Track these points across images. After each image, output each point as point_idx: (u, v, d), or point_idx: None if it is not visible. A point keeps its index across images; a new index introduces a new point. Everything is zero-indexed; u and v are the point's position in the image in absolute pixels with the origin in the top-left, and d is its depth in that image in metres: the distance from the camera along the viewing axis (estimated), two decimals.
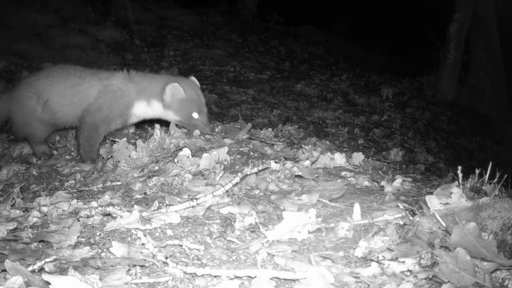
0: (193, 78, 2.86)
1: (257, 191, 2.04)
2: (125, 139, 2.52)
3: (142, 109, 2.76)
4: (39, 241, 1.68)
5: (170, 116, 2.74)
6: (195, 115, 2.70)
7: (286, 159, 2.36)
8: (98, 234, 1.70)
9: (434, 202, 1.61)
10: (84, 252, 1.58)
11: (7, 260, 1.37)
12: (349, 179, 2.17)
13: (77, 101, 2.76)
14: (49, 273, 1.44)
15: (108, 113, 2.69)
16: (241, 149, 2.56)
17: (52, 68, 3.07)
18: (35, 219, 1.87)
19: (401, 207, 1.69)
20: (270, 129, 2.98)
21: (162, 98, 2.68)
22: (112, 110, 2.70)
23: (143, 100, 2.73)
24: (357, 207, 1.67)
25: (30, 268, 1.43)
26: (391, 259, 1.39)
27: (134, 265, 1.45)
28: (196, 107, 2.71)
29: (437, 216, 1.51)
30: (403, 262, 1.36)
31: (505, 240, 1.40)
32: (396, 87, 7.20)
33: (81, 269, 1.45)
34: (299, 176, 2.16)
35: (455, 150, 5.83)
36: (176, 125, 2.76)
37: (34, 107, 2.81)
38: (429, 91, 7.59)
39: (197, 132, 2.70)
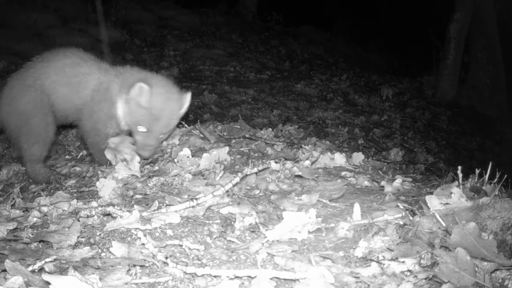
0: (188, 95, 2.40)
1: (257, 191, 2.05)
2: None
3: (122, 108, 2.37)
4: (39, 241, 1.68)
5: (120, 114, 2.36)
6: (142, 128, 2.29)
7: (286, 159, 2.36)
8: (98, 234, 1.70)
9: (434, 202, 1.62)
10: (84, 252, 1.58)
11: (7, 260, 1.37)
12: (349, 179, 2.17)
13: (75, 83, 2.41)
14: (49, 273, 1.44)
15: (100, 114, 2.38)
16: (241, 149, 2.56)
17: (49, 51, 2.56)
18: (35, 219, 1.87)
19: (401, 207, 1.69)
20: (270, 129, 2.98)
21: (129, 92, 2.27)
22: (103, 109, 2.37)
23: (123, 96, 2.33)
24: (357, 207, 1.67)
25: (30, 268, 1.43)
26: (391, 259, 1.39)
27: (134, 265, 1.45)
28: (148, 123, 2.27)
29: (437, 216, 1.51)
30: (403, 262, 1.36)
31: (505, 240, 1.41)
32: (396, 87, 7.20)
33: (81, 269, 1.45)
34: (299, 176, 2.16)
35: (455, 150, 5.83)
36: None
37: (36, 96, 2.41)
38: (429, 91, 7.58)
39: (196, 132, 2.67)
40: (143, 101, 2.23)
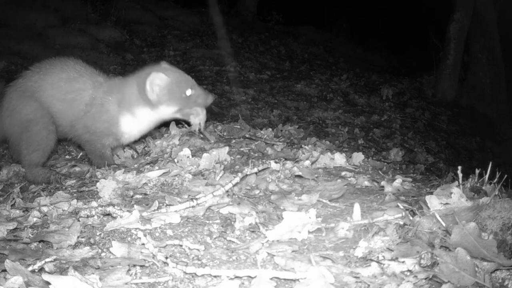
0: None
1: (257, 191, 2.05)
2: None
3: (131, 125, 2.40)
4: (39, 241, 1.68)
5: (165, 113, 2.39)
6: (189, 91, 2.35)
7: (286, 159, 2.36)
8: (98, 234, 1.70)
9: (434, 202, 1.62)
10: (84, 252, 1.58)
11: (7, 260, 1.37)
12: (349, 179, 2.17)
13: (69, 99, 2.41)
14: (49, 273, 1.44)
15: (94, 130, 2.39)
16: (241, 149, 2.56)
17: (48, 60, 2.54)
18: (35, 219, 1.87)
19: (401, 207, 1.69)
20: (270, 129, 2.98)
21: (147, 99, 2.30)
22: (97, 129, 2.39)
23: (127, 113, 2.36)
24: (357, 207, 1.67)
25: (30, 268, 1.43)
26: (391, 259, 1.39)
27: (134, 265, 1.45)
28: (186, 83, 2.35)
29: (437, 216, 1.51)
30: (403, 262, 1.36)
31: (505, 240, 1.41)
32: (396, 87, 7.19)
33: (81, 269, 1.45)
34: (299, 176, 2.16)
35: (455, 150, 5.83)
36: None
37: (36, 106, 2.41)
38: (429, 91, 7.58)
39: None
40: (165, 80, 2.31)
